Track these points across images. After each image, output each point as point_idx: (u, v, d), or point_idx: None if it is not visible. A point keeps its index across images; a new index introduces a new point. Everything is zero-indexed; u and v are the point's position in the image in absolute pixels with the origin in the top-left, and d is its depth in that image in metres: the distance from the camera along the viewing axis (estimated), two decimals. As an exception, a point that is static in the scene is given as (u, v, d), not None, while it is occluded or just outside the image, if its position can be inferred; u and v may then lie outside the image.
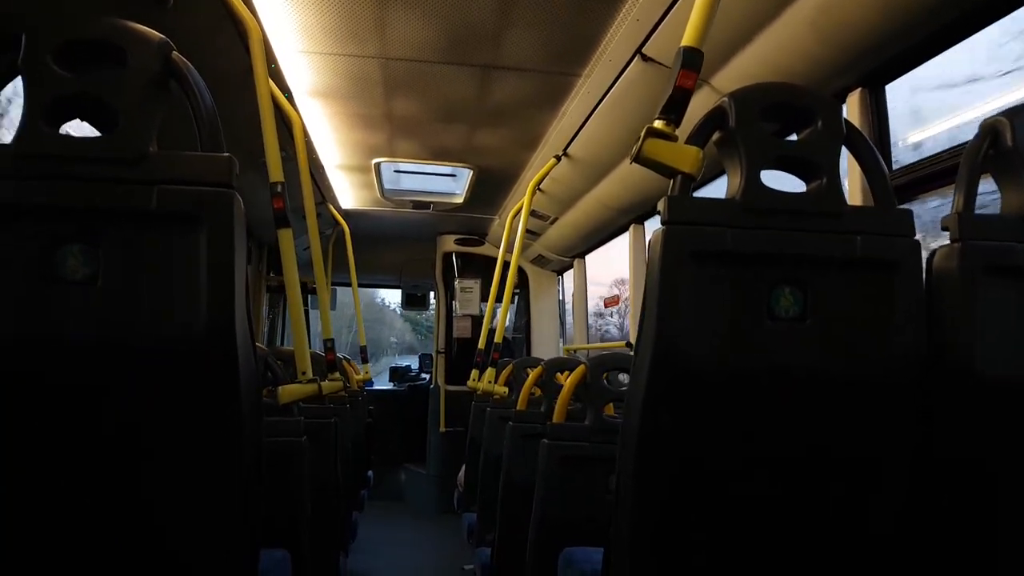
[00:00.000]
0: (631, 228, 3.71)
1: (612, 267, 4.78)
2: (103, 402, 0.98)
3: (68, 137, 0.99)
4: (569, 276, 5.09)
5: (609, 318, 5.90)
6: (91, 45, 1.01)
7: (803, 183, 1.13)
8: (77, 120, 1.07)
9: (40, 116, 0.97)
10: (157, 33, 1.03)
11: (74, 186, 0.96)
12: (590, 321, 4.87)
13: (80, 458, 0.98)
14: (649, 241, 1.08)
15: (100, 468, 0.99)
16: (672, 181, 1.11)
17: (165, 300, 0.96)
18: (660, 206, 1.06)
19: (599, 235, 4.18)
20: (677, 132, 1.14)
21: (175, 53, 1.03)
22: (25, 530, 0.98)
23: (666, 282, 1.03)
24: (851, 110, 1.86)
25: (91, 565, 0.99)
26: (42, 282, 0.95)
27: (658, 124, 1.12)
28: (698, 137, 1.10)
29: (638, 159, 1.11)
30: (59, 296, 0.95)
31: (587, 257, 4.74)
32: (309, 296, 5.73)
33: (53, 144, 0.97)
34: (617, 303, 4.75)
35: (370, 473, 4.41)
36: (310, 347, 5.10)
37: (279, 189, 1.97)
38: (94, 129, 1.07)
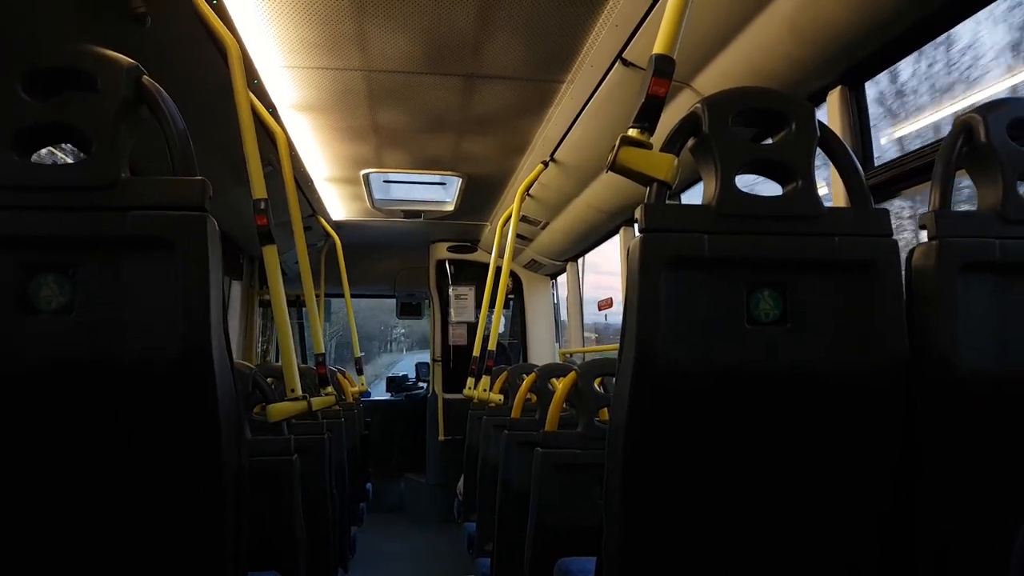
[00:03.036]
0: (621, 231, 3.71)
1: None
2: (80, 430, 0.97)
3: (39, 166, 0.99)
4: (563, 280, 5.09)
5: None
6: (60, 72, 1.00)
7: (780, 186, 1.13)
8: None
9: (9, 145, 0.97)
10: (127, 58, 1.02)
11: (46, 215, 0.95)
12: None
13: (58, 485, 0.98)
14: (628, 249, 1.09)
15: (78, 494, 0.98)
16: (649, 188, 1.11)
17: (140, 326, 0.96)
18: (637, 214, 1.06)
19: (590, 239, 4.18)
20: (654, 138, 1.14)
21: (146, 77, 1.03)
22: (4, 555, 0.98)
23: (645, 289, 1.03)
24: (831, 109, 1.87)
25: None
26: (16, 313, 0.94)
27: (632, 132, 1.12)
28: (672, 144, 1.10)
29: (613, 168, 1.11)
30: (34, 326, 0.95)
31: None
32: (303, 309, 5.71)
33: (23, 173, 0.97)
34: (611, 306, 4.75)
35: (369, 486, 4.39)
36: (304, 362, 5.09)
37: (262, 206, 1.97)
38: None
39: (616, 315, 4.67)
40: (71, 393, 0.96)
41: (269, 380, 2.01)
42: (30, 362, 0.95)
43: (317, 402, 2.07)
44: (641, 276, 1.03)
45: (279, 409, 1.82)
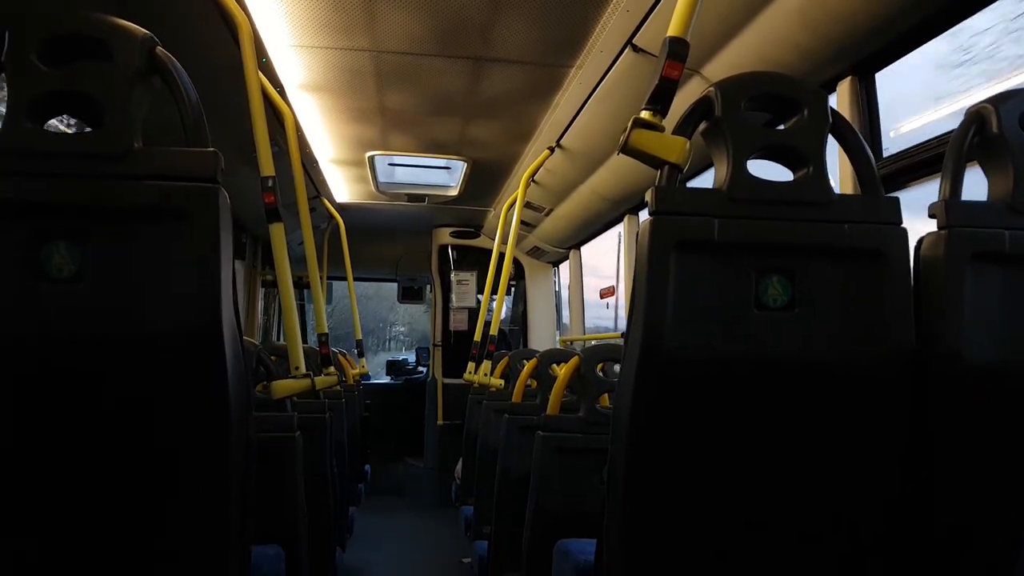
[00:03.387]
0: (625, 218, 3.71)
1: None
2: (90, 399, 0.98)
3: (52, 133, 0.99)
4: (565, 267, 5.09)
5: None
6: (75, 41, 1.00)
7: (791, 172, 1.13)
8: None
9: (23, 112, 0.97)
10: (141, 28, 1.02)
11: (59, 183, 0.96)
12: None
13: (68, 454, 0.98)
14: (637, 232, 1.09)
15: (87, 463, 0.99)
16: (659, 172, 1.11)
17: (151, 296, 0.96)
18: (647, 196, 1.07)
19: (594, 226, 4.18)
20: (664, 123, 1.14)
21: (159, 48, 1.03)
22: (14, 523, 0.99)
23: (654, 272, 1.04)
24: (841, 99, 1.86)
25: (78, 560, 1.00)
26: (28, 280, 0.95)
27: (645, 115, 1.12)
28: (685, 127, 1.10)
29: (625, 150, 1.11)
30: (45, 294, 0.95)
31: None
32: (305, 291, 5.72)
33: (37, 140, 0.97)
34: (613, 294, 4.75)
35: (367, 467, 4.41)
36: (304, 341, 5.11)
37: (270, 184, 1.97)
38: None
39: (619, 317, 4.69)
40: (80, 359, 0.97)
41: (272, 358, 2.01)
42: (41, 328, 0.95)
43: (320, 381, 2.08)
44: (650, 259, 1.04)
45: (283, 386, 1.83)
